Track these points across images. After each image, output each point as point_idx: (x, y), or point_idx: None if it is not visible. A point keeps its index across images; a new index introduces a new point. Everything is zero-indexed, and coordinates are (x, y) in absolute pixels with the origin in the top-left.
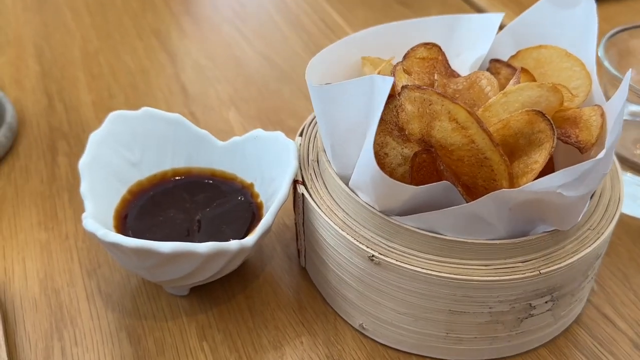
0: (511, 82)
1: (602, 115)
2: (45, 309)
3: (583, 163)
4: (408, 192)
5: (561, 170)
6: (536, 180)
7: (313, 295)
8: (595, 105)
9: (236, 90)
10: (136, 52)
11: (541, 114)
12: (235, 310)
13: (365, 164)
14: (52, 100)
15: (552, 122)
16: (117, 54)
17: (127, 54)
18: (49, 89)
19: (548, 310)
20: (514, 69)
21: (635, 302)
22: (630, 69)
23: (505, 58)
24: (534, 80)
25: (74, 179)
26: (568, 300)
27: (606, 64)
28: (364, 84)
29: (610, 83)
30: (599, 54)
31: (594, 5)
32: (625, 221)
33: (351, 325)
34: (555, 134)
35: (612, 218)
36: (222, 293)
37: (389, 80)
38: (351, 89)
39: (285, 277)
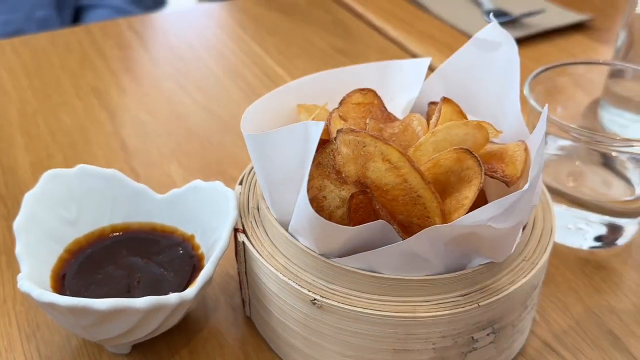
0: (434, 117)
1: (526, 149)
2: None
3: (509, 195)
4: (345, 233)
5: (489, 204)
6: (467, 215)
7: (259, 345)
8: (520, 140)
9: (178, 144)
10: (75, 111)
11: (468, 151)
12: None
13: (301, 208)
14: None
15: (479, 158)
16: (55, 114)
17: (65, 113)
18: None
19: (491, 342)
20: None
21: (576, 330)
22: (547, 104)
23: (437, 99)
24: (459, 109)
25: (12, 242)
26: (509, 332)
27: (531, 101)
28: (298, 131)
29: (537, 120)
30: (525, 92)
31: (515, 48)
32: (562, 251)
33: None
34: (483, 170)
35: (546, 248)
36: (165, 349)
37: (321, 125)
38: (285, 136)
39: (230, 328)
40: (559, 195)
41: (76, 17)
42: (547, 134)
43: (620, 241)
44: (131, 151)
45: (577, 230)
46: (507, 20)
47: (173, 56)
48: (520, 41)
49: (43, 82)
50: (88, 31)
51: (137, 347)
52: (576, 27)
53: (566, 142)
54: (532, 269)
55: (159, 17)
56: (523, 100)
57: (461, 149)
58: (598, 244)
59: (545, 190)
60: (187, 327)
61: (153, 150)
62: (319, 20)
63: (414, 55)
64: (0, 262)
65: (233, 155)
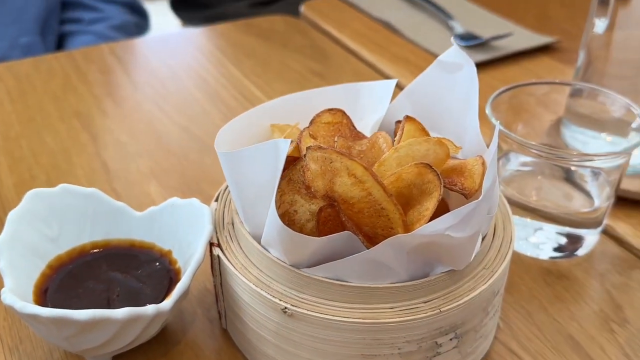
0: (397, 134)
1: (484, 164)
2: None
3: (465, 206)
4: (313, 243)
5: (447, 214)
6: (426, 225)
7: (235, 355)
8: (478, 155)
9: (157, 163)
10: (58, 134)
11: (429, 166)
12: None
13: (272, 220)
14: None
15: (438, 172)
16: (38, 137)
17: (48, 136)
18: None
19: (454, 347)
20: None
21: (538, 336)
22: (498, 121)
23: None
24: (421, 127)
25: None
26: (472, 337)
27: (492, 119)
28: (268, 148)
29: (499, 137)
30: (487, 111)
31: (474, 69)
32: (526, 262)
33: None
34: (442, 183)
35: (505, 257)
36: None
37: (288, 142)
38: (256, 153)
39: (207, 340)
40: (522, 208)
41: (60, 43)
42: (510, 151)
43: (581, 251)
44: (112, 171)
45: (540, 241)
46: (476, 43)
47: (154, 79)
48: (489, 63)
49: (26, 106)
50: (71, 57)
51: (117, 358)
52: (543, 49)
53: (529, 159)
54: (492, 276)
55: (140, 42)
56: (487, 118)
57: (422, 163)
58: (560, 254)
59: (506, 202)
60: (165, 339)
61: (133, 170)
62: (296, 45)
63: (387, 77)
64: None
65: (211, 174)
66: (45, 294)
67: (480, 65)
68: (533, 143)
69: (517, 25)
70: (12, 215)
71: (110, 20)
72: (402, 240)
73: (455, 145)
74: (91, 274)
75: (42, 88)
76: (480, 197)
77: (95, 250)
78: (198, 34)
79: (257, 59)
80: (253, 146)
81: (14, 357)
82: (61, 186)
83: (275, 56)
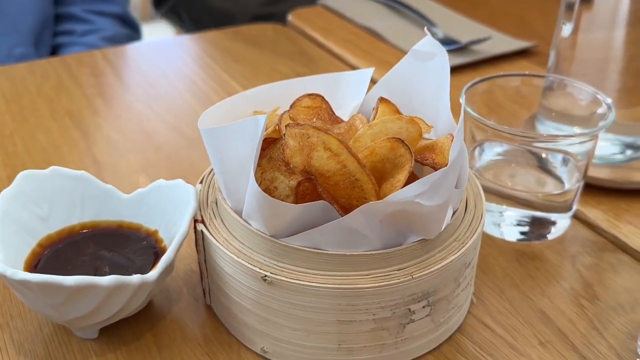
0: (372, 114)
1: (453, 141)
2: None
3: (433, 173)
4: (291, 211)
5: (416, 182)
6: (397, 192)
7: (218, 329)
8: (449, 134)
9: (146, 159)
10: (50, 131)
11: (400, 140)
12: (144, 348)
13: (251, 191)
14: None
15: (410, 146)
16: (31, 134)
17: (41, 133)
18: None
19: (427, 315)
20: None
21: (510, 311)
22: (465, 95)
23: None
24: (395, 108)
25: None
26: (445, 307)
27: (467, 108)
28: (248, 124)
29: (473, 124)
30: (461, 100)
31: (446, 57)
32: (500, 244)
33: (253, 351)
34: (413, 156)
35: (475, 231)
36: (130, 333)
37: (265, 117)
38: (237, 129)
39: (191, 315)
40: (497, 195)
41: (53, 54)
42: (485, 140)
43: (554, 235)
44: (102, 166)
45: (514, 225)
46: (456, 47)
47: (144, 82)
48: (468, 66)
49: (20, 107)
50: (64, 61)
51: (104, 332)
52: (521, 54)
53: (503, 148)
54: (462, 248)
55: (132, 48)
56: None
57: (394, 138)
58: (533, 237)
59: (478, 183)
60: (150, 314)
61: (123, 164)
62: (284, 50)
63: (372, 80)
64: None
65: (198, 168)
66: (34, 270)
67: (459, 68)
68: (506, 127)
69: (497, 31)
70: (4, 194)
71: (102, 32)
72: (374, 207)
73: (427, 124)
74: (80, 252)
75: (36, 90)
76: (447, 166)
77: (84, 231)
78: (187, 40)
79: (246, 64)
80: (233, 122)
81: (4, 334)
82: (52, 168)
83: (264, 61)
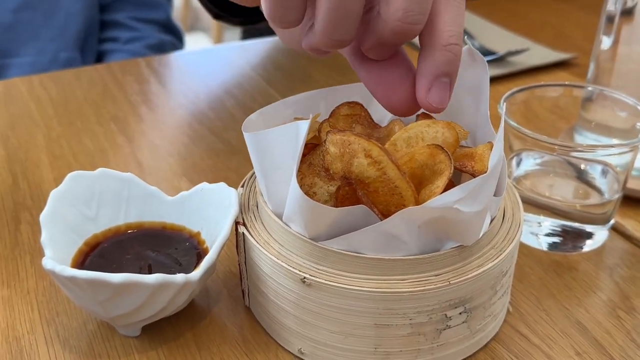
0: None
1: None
2: (6, 354)
3: (472, 180)
4: (331, 214)
5: (455, 188)
6: (436, 197)
7: (256, 330)
8: (488, 142)
9: (188, 163)
10: (96, 136)
11: (440, 147)
12: (184, 347)
13: (293, 193)
14: (16, 179)
15: (449, 153)
16: (78, 138)
17: (87, 137)
18: (14, 170)
19: (463, 322)
20: None
21: (546, 320)
22: (504, 104)
23: None
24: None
25: (35, 243)
26: (481, 314)
27: (505, 117)
28: (289, 128)
29: (511, 134)
30: (500, 109)
31: (486, 66)
32: (538, 255)
33: (291, 353)
34: (452, 163)
35: (513, 240)
36: (171, 332)
37: (307, 122)
38: (279, 134)
39: (230, 316)
40: (535, 205)
41: (98, 61)
42: (523, 150)
43: (592, 246)
44: (145, 170)
45: (552, 236)
46: (493, 58)
47: (187, 90)
48: (506, 77)
49: (67, 111)
50: (109, 69)
51: (146, 330)
52: (559, 65)
53: (541, 158)
54: (499, 256)
55: (174, 57)
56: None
57: (434, 145)
58: (571, 248)
59: (516, 192)
60: (191, 314)
61: (166, 169)
62: (320, 59)
63: None
64: (25, 260)
65: (239, 174)
66: (81, 268)
67: (496, 79)
68: (545, 137)
69: (535, 43)
70: (54, 194)
71: (147, 40)
72: (413, 212)
73: (463, 130)
74: (125, 251)
75: (82, 95)
76: (487, 173)
77: (129, 231)
78: (229, 49)
79: (283, 71)
80: (276, 127)
81: (51, 328)
82: (100, 170)
83: (300, 68)
